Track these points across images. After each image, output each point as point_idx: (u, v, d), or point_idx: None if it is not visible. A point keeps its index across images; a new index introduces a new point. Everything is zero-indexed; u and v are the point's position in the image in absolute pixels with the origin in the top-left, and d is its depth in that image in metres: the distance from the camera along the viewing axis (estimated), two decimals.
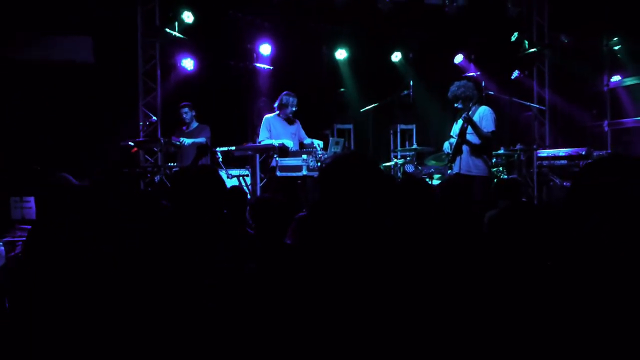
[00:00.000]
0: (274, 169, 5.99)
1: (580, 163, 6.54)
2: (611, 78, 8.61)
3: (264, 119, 6.23)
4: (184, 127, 6.75)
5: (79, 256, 2.20)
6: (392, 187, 2.76)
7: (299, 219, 3.15)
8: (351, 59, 8.39)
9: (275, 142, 5.97)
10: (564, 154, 6.74)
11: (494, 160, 6.16)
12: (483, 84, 6.85)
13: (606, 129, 8.54)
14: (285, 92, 6.20)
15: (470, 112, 5.39)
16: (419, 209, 2.55)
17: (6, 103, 6.53)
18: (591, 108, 8.79)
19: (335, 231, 1.89)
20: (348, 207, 1.93)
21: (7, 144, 6.23)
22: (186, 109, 6.68)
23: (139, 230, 2.39)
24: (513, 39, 8.47)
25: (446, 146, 5.61)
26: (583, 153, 6.56)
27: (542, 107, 8.55)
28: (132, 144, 6.11)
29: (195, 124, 6.77)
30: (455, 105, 5.39)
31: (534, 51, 8.62)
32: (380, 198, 1.98)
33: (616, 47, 8.44)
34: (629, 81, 8.35)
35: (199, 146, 6.48)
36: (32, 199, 5.17)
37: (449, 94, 5.42)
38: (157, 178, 6.17)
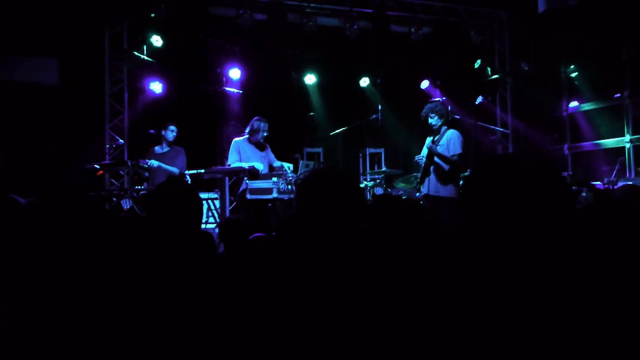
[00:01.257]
0: (244, 191, 5.95)
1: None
2: (569, 104, 8.96)
3: (233, 142, 6.18)
4: (157, 148, 6.50)
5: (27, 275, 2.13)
6: (366, 204, 2.78)
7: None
8: (320, 84, 8.51)
9: (245, 165, 5.94)
10: None
11: (461, 182, 6.29)
12: (449, 108, 7.03)
13: (566, 152, 8.84)
14: (256, 118, 6.19)
15: (438, 136, 5.52)
16: (394, 225, 2.57)
17: None
18: (552, 132, 9.11)
19: (312, 244, 1.89)
20: (325, 220, 1.93)
21: None
22: (173, 127, 6.40)
23: (105, 249, 2.33)
24: (476, 65, 8.77)
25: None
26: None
27: (506, 131, 8.83)
28: (97, 166, 5.98)
29: (167, 148, 6.58)
30: (430, 121, 5.49)
31: (497, 78, 8.94)
32: (356, 211, 2.00)
33: (573, 75, 8.81)
34: (586, 106, 8.70)
35: (170, 176, 6.23)
36: None
37: (425, 110, 5.54)
38: (125, 203, 6.03)
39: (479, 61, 8.74)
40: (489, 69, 8.95)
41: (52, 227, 2.21)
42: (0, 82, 6.77)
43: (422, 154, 5.64)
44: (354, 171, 8.23)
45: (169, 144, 6.48)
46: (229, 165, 6.06)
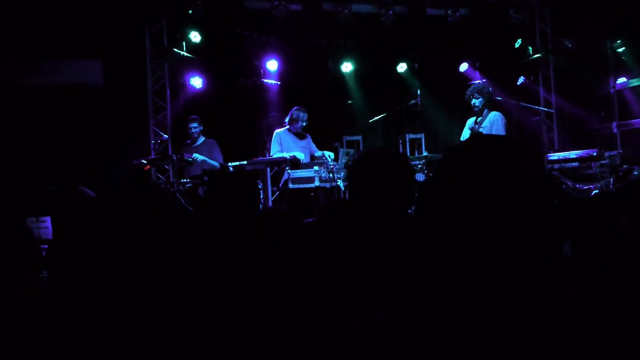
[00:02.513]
0: (286, 181, 6.02)
1: (592, 164, 6.51)
2: (617, 80, 8.62)
3: (274, 133, 6.27)
4: (188, 141, 6.64)
5: (102, 268, 2.19)
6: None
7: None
8: (357, 72, 8.47)
9: (287, 155, 6.01)
10: (575, 156, 6.71)
11: None
12: (491, 90, 6.89)
13: (615, 130, 8.53)
14: (295, 107, 6.25)
15: (481, 118, 5.43)
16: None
17: (20, 127, 6.61)
18: (599, 110, 8.80)
19: (358, 232, 1.90)
20: (373, 207, 1.94)
21: (21, 167, 6.29)
22: (195, 123, 6.52)
23: (162, 237, 2.40)
24: (517, 45, 8.53)
25: None
26: (594, 154, 6.54)
27: (550, 110, 8.58)
28: (144, 162, 6.16)
29: (202, 139, 6.68)
30: (473, 101, 5.41)
31: (538, 57, 8.68)
32: (407, 194, 1.99)
33: (620, 50, 8.48)
34: (635, 82, 8.36)
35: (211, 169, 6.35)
36: (48, 218, 5.21)
37: (468, 92, 5.47)
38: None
39: (519, 40, 8.50)
40: (530, 48, 8.70)
41: (122, 219, 2.28)
42: (48, 85, 7.06)
43: (463, 137, 5.57)
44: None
45: (198, 137, 6.58)
46: (272, 156, 6.13)
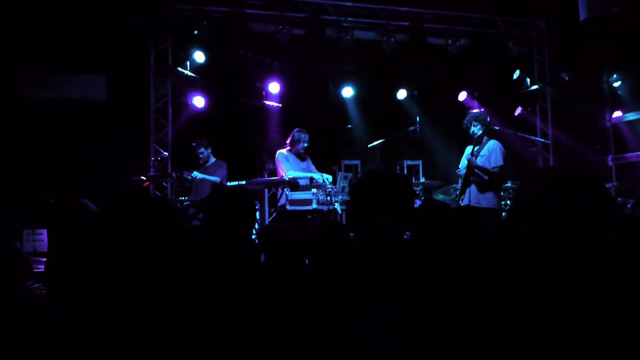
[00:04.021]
0: (283, 205, 6.02)
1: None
2: (613, 114, 8.75)
3: (279, 153, 6.24)
4: (201, 162, 6.72)
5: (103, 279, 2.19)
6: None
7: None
8: (357, 96, 8.58)
9: (316, 175, 6.02)
10: None
11: (502, 194, 6.21)
12: (488, 119, 6.98)
13: (610, 163, 8.61)
14: (297, 129, 6.29)
15: (479, 146, 5.49)
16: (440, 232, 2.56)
17: (21, 140, 6.65)
18: (594, 143, 8.91)
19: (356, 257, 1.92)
20: (377, 226, 1.95)
21: (21, 179, 6.31)
22: (201, 148, 6.59)
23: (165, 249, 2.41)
24: (515, 76, 8.68)
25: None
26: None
27: (547, 142, 8.69)
28: (144, 178, 6.19)
29: (212, 160, 6.72)
30: (472, 129, 5.48)
31: (536, 88, 8.83)
32: (407, 215, 2.02)
33: (616, 84, 8.63)
34: (631, 116, 8.49)
35: (213, 185, 6.41)
36: (44, 231, 5.22)
37: (466, 120, 5.54)
38: None
39: (517, 72, 8.66)
40: (528, 79, 8.86)
41: (124, 231, 2.30)
42: (51, 99, 7.12)
43: (461, 165, 5.62)
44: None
45: (208, 158, 6.66)
46: (287, 175, 6.01)
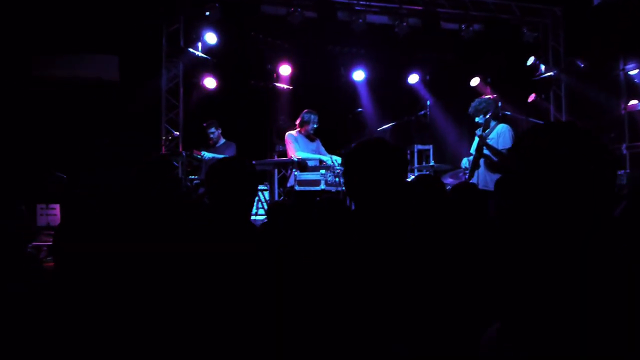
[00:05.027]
0: (292, 186, 6.06)
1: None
2: (628, 102, 8.62)
3: (288, 134, 6.28)
4: (211, 142, 6.85)
5: (110, 255, 2.21)
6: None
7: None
8: (368, 80, 8.55)
9: (325, 157, 6.06)
10: None
11: None
12: (500, 104, 6.92)
13: (625, 151, 8.51)
14: (306, 110, 6.31)
15: (488, 130, 5.47)
16: (432, 206, 2.56)
17: (35, 118, 6.75)
18: (609, 131, 8.79)
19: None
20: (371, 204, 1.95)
21: (34, 156, 6.41)
22: (212, 128, 6.74)
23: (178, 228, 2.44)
24: (529, 63, 8.59)
25: (464, 162, 5.69)
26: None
27: None
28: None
29: (222, 141, 6.87)
30: (476, 119, 5.48)
31: (550, 75, 8.73)
32: (401, 185, 2.03)
33: (632, 72, 8.49)
34: None
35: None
36: (57, 206, 5.32)
37: (470, 109, 5.53)
38: None
39: (531, 58, 8.56)
40: (542, 66, 8.75)
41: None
42: (65, 78, 7.21)
43: (472, 149, 5.61)
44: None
45: (218, 139, 6.77)
46: (299, 157, 6.09)
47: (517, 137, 1.20)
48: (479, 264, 1.86)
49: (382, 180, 1.95)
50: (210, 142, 6.83)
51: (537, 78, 8.76)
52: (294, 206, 3.87)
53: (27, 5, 6.74)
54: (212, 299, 1.82)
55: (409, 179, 4.21)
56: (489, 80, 8.68)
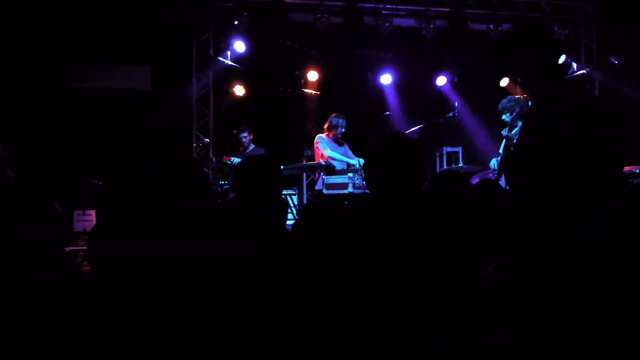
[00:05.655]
0: (320, 189, 6.12)
1: (634, 181, 6.33)
2: None
3: (318, 137, 6.38)
4: (241, 148, 6.99)
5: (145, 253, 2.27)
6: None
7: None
8: (396, 83, 8.56)
9: (353, 161, 6.12)
10: None
11: None
12: (530, 104, 6.83)
13: None
14: (334, 114, 6.39)
15: (515, 130, 5.42)
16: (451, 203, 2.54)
17: (71, 128, 7.01)
18: None
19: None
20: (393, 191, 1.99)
21: (71, 164, 6.65)
22: (245, 133, 6.93)
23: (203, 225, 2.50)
24: (560, 61, 8.44)
25: (493, 163, 5.64)
26: (637, 171, 6.36)
27: None
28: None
29: (252, 147, 7.03)
30: (503, 117, 5.45)
31: (583, 73, 8.54)
32: (418, 179, 2.04)
33: None
34: None
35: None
36: (92, 212, 5.51)
37: (500, 105, 5.52)
38: None
39: (563, 56, 8.41)
40: (574, 64, 8.58)
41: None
42: (100, 89, 7.47)
43: (501, 150, 5.57)
44: (430, 170, 8.17)
45: (248, 145, 6.92)
46: (328, 156, 6.19)
47: (526, 121, 1.19)
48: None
49: (398, 174, 1.98)
50: (241, 148, 6.97)
51: (570, 76, 8.59)
52: (325, 207, 3.91)
53: (65, 18, 7.02)
54: (225, 299, 1.88)
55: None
56: (518, 80, 8.56)
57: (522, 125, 1.22)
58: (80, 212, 5.56)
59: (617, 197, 1.13)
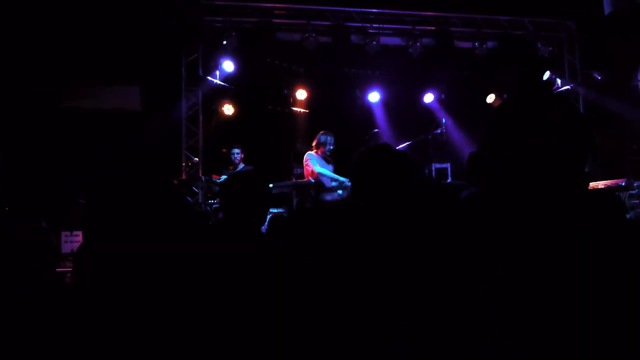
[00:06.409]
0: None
1: (622, 194, 6.40)
2: None
3: (307, 154, 6.37)
4: (231, 167, 6.99)
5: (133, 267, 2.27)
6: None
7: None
8: (384, 101, 8.64)
9: (342, 178, 6.13)
10: (602, 186, 6.63)
11: None
12: None
13: None
14: (322, 132, 6.41)
15: None
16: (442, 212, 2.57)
17: (61, 147, 6.99)
18: (631, 143, 8.66)
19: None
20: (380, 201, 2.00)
21: (59, 184, 6.62)
22: (237, 150, 6.89)
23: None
24: (545, 77, 8.56)
25: None
26: (623, 184, 6.44)
27: None
28: (175, 182, 6.40)
29: (241, 166, 7.01)
30: None
31: (567, 89, 8.68)
32: (406, 189, 2.07)
33: None
34: None
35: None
36: (80, 233, 5.48)
37: None
38: None
39: (547, 72, 8.54)
40: (558, 80, 8.73)
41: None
42: (90, 109, 7.48)
43: None
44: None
45: (239, 163, 6.91)
46: (318, 172, 6.18)
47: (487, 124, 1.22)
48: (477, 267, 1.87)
49: (386, 184, 2.00)
50: (231, 167, 6.97)
51: (554, 92, 8.72)
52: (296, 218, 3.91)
53: (56, 41, 7.05)
54: (215, 300, 1.87)
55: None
56: (504, 96, 8.67)
57: (484, 128, 1.25)
58: (68, 233, 5.52)
59: (577, 194, 1.16)
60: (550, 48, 8.70)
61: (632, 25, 6.46)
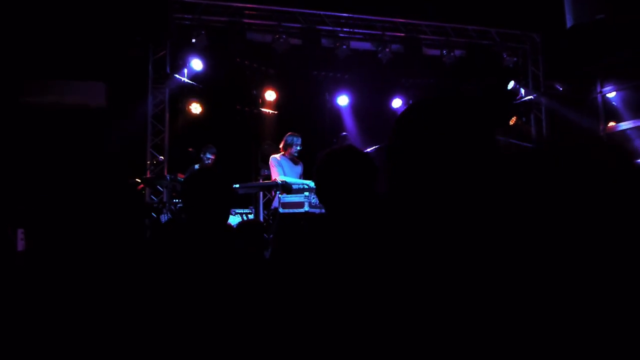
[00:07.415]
0: (276, 208, 6.09)
1: None
2: (607, 124, 8.82)
3: (272, 158, 6.31)
4: (196, 166, 6.84)
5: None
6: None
7: None
8: (353, 105, 8.70)
9: (301, 181, 6.11)
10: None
11: None
12: None
13: None
14: (289, 133, 6.38)
15: None
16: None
17: (21, 144, 6.78)
18: None
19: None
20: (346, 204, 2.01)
21: (18, 182, 6.42)
22: (209, 154, 6.73)
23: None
24: (509, 87, 8.79)
25: None
26: None
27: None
28: (139, 180, 6.28)
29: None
30: None
31: (531, 98, 8.93)
32: (371, 192, 2.08)
33: (610, 95, 8.71)
34: (624, 126, 8.55)
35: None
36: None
37: None
38: (164, 217, 6.27)
39: (511, 82, 8.77)
40: (522, 90, 8.97)
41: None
42: (52, 105, 7.27)
43: None
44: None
45: (206, 165, 6.81)
46: (279, 180, 6.13)
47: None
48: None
49: (350, 186, 2.00)
50: (201, 164, 6.86)
51: (518, 101, 8.96)
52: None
53: (17, 34, 6.84)
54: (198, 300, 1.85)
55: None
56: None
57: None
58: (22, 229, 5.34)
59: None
60: (515, 59, 8.94)
61: (592, 39, 6.68)
